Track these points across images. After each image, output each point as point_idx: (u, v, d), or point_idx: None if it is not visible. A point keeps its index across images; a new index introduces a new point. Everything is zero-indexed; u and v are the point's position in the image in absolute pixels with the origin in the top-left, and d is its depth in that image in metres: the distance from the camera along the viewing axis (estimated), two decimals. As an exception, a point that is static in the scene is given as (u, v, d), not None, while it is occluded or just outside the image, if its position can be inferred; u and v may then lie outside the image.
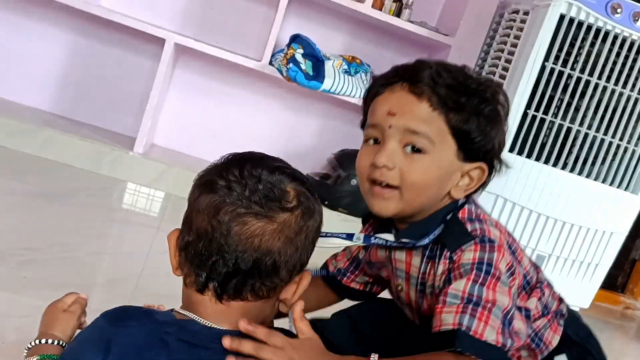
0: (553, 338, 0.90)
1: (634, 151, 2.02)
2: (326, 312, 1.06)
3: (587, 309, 2.17)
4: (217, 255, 0.59)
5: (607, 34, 1.93)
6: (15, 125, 2.07)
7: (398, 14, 2.28)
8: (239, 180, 0.61)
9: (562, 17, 1.91)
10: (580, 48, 1.95)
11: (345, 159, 2.39)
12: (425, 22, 2.35)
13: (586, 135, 2.00)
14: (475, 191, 0.85)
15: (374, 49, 2.48)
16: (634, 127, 2.00)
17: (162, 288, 1.15)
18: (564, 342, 0.90)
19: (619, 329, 2.51)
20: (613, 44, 1.94)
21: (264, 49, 2.20)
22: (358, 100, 2.26)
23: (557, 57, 1.95)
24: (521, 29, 2.04)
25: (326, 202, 2.36)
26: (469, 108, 0.80)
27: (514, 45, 2.05)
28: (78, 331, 0.72)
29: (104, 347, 0.58)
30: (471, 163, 0.82)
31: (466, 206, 0.83)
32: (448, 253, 0.78)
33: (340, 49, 2.46)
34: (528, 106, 1.97)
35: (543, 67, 1.95)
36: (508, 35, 2.12)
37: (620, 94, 1.98)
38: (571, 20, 1.92)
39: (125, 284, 1.36)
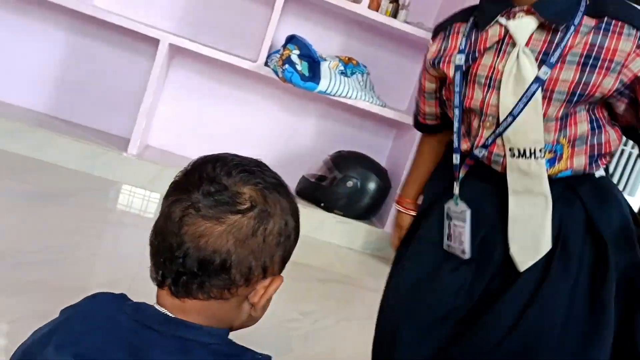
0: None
1: (630, 153, 2.02)
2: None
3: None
4: (168, 253, 0.62)
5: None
6: (8, 126, 2.05)
7: (394, 14, 2.27)
8: (196, 182, 0.63)
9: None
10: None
11: (341, 161, 2.38)
12: (422, 23, 2.34)
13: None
14: None
15: (370, 49, 2.47)
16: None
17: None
18: None
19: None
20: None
21: (259, 49, 2.18)
22: (354, 102, 2.25)
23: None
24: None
25: (322, 204, 2.35)
26: None
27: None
28: None
29: (60, 317, 0.65)
30: None
31: None
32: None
33: (337, 50, 2.44)
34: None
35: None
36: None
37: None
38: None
39: (118, 286, 1.34)
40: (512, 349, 0.92)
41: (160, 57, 2.12)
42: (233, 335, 0.65)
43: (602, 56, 0.86)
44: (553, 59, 0.87)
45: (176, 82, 2.40)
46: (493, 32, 0.92)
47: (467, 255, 0.97)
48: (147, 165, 2.16)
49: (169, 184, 0.67)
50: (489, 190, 0.98)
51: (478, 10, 0.95)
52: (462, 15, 0.99)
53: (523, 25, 0.89)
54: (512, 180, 0.94)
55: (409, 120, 2.29)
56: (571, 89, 0.88)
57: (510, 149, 0.92)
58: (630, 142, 2.00)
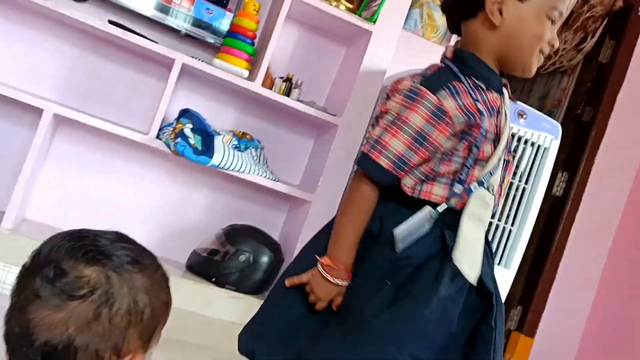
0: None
1: (504, 228, 2.18)
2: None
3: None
4: (16, 342, 0.60)
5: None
6: None
7: (288, 93, 2.35)
8: (39, 266, 0.62)
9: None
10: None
11: (234, 235, 2.35)
12: (313, 102, 2.44)
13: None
14: None
15: (264, 125, 2.52)
16: (503, 206, 2.17)
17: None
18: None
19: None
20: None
21: (151, 122, 2.16)
22: (247, 175, 2.26)
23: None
24: (402, 113, 2.17)
25: (213, 279, 2.29)
26: None
27: (396, 128, 2.17)
28: None
29: None
30: None
31: None
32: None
33: (231, 124, 2.47)
34: (410, 185, 2.07)
35: (422, 149, 2.07)
36: (390, 118, 2.25)
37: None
38: (446, 107, 2.08)
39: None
40: None
41: (43, 128, 2.02)
42: None
43: None
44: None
45: (61, 153, 2.29)
46: (495, 96, 1.14)
47: None
48: (22, 241, 2.01)
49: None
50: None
51: (475, 72, 1.10)
52: (452, 75, 1.11)
53: (506, 94, 1.19)
54: (474, 207, 1.09)
55: (301, 194, 2.34)
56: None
57: (488, 187, 1.12)
58: (504, 217, 2.17)
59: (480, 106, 1.07)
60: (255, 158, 2.33)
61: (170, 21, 2.25)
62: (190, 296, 2.19)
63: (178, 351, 1.85)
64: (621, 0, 2.93)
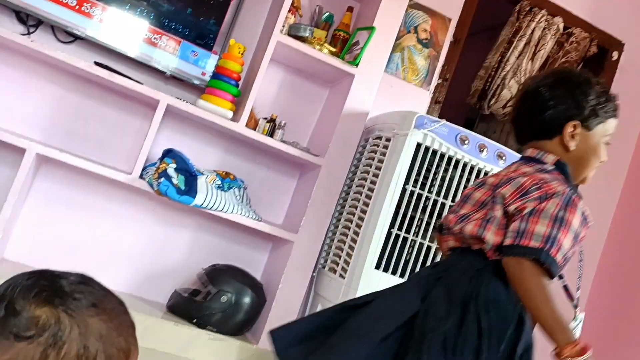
0: None
1: (486, 268, 2.19)
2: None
3: None
4: None
5: (457, 161, 2.15)
6: None
7: (271, 134, 2.37)
8: None
9: (418, 145, 2.11)
10: (435, 173, 2.15)
11: (216, 275, 2.34)
12: (297, 143, 2.46)
13: (444, 253, 2.14)
14: None
15: (248, 165, 2.54)
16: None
17: None
18: None
19: None
20: (463, 170, 2.16)
21: (135, 161, 2.16)
22: (230, 215, 2.26)
23: (415, 181, 2.12)
24: (384, 154, 2.21)
25: (194, 320, 2.26)
26: None
27: (378, 168, 2.20)
28: None
29: None
30: None
31: None
32: None
33: (214, 164, 2.48)
34: (392, 226, 2.09)
35: (404, 190, 2.10)
36: (372, 159, 2.28)
37: (472, 216, 2.17)
38: (427, 149, 2.12)
39: None
40: None
41: (25, 167, 2.02)
42: None
43: None
44: None
45: (43, 192, 2.28)
46: None
47: None
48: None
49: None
50: None
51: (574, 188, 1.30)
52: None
53: None
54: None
55: (284, 234, 2.34)
56: None
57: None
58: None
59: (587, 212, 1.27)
60: (238, 198, 2.33)
61: (156, 62, 2.29)
62: (171, 338, 2.16)
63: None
64: (595, 46, 3.03)
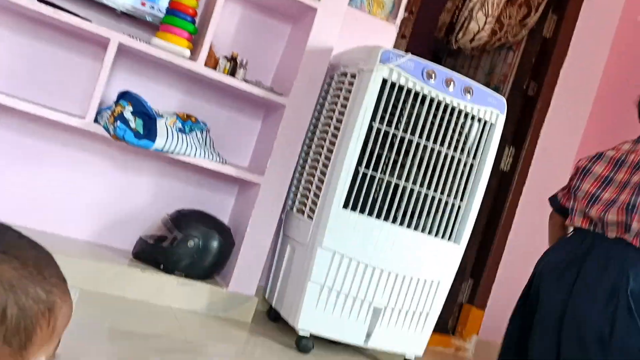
0: None
1: (453, 204, 2.19)
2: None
3: (422, 356, 2.26)
4: None
5: (424, 97, 2.10)
6: None
7: (232, 73, 2.28)
8: None
9: (384, 81, 2.04)
10: (402, 109, 2.10)
11: (181, 220, 2.29)
12: (260, 82, 2.38)
13: (412, 190, 2.12)
14: None
15: (209, 106, 2.45)
16: (452, 183, 2.18)
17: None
18: None
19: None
20: (430, 106, 2.11)
21: (88, 105, 2.06)
22: (193, 159, 2.19)
23: (382, 118, 2.07)
24: (349, 91, 2.14)
25: (162, 267, 2.23)
26: None
27: (344, 106, 2.14)
28: None
29: None
30: None
31: None
32: None
33: (175, 107, 2.39)
34: (359, 164, 2.05)
35: (370, 127, 2.05)
36: (338, 97, 2.22)
37: (439, 152, 2.15)
38: (393, 84, 2.06)
39: None
40: None
41: (-30, 113, 1.90)
42: None
43: None
44: None
45: (-8, 139, 2.16)
46: None
47: None
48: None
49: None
50: None
51: None
52: None
53: None
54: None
55: (250, 176, 2.29)
56: None
57: None
58: (452, 194, 2.18)
59: None
60: (201, 141, 2.26)
61: (105, -1, 2.14)
62: (139, 285, 2.13)
63: (126, 342, 1.79)
64: (563, -26, 2.97)
